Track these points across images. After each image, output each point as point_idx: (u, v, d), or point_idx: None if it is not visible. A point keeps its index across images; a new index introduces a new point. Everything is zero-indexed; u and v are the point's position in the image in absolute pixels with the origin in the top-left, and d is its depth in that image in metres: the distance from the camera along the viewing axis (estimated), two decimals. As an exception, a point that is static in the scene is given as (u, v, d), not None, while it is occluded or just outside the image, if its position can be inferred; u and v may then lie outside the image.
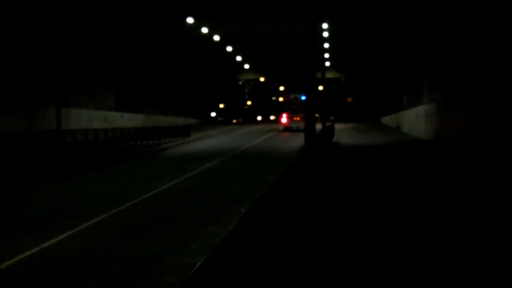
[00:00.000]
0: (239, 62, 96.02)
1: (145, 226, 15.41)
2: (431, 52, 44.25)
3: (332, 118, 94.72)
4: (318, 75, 63.12)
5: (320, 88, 71.86)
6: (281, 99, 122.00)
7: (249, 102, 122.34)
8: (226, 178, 25.23)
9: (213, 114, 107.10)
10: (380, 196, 17.19)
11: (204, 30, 66.77)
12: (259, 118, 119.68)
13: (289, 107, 71.45)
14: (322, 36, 68.20)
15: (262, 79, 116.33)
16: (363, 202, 15.99)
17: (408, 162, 28.92)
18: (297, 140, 46.88)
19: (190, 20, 60.71)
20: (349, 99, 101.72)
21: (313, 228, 12.27)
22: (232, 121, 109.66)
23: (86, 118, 49.60)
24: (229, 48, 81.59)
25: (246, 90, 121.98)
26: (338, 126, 70.70)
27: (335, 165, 26.50)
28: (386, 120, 77.14)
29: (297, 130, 64.07)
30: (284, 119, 68.67)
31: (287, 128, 67.85)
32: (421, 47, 47.39)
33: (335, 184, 20.04)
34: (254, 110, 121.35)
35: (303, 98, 69.44)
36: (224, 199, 19.26)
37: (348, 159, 30.72)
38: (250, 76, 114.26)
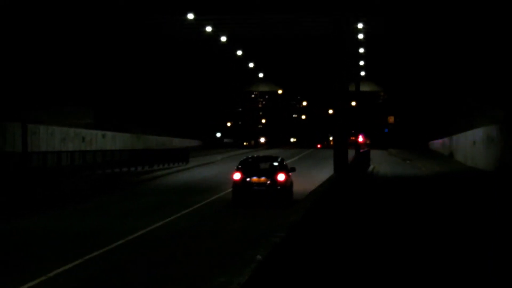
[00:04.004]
0: (251, 69, 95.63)
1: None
2: (490, 63, 44.81)
3: (367, 141, 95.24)
4: (352, 88, 63.74)
5: (353, 103, 72.47)
6: (303, 117, 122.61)
7: (263, 120, 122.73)
8: (236, 215, 25.85)
9: (218, 134, 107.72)
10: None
11: (208, 29, 67.43)
12: (262, 140, 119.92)
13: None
14: (357, 38, 68.75)
15: (280, 91, 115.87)
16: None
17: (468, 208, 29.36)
18: (326, 169, 47.57)
19: (190, 16, 61.11)
20: (390, 119, 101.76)
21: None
22: (242, 143, 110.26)
23: (59, 137, 50.10)
24: (239, 52, 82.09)
25: (260, 105, 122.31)
26: (376, 152, 71.17)
27: (366, 203, 27.08)
28: (436, 145, 77.60)
29: None
30: None
31: None
32: (479, 56, 47.93)
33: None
34: (269, 130, 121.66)
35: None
36: (233, 241, 19.83)
37: (386, 196, 31.27)
38: (265, 88, 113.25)
